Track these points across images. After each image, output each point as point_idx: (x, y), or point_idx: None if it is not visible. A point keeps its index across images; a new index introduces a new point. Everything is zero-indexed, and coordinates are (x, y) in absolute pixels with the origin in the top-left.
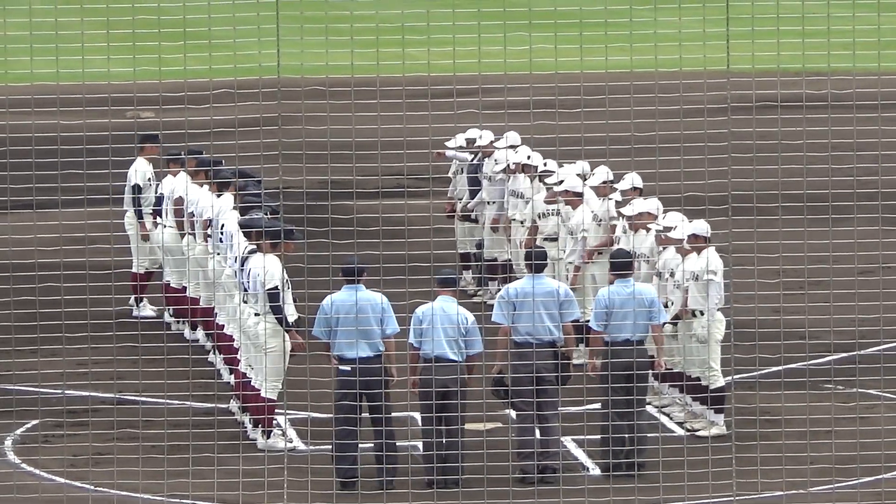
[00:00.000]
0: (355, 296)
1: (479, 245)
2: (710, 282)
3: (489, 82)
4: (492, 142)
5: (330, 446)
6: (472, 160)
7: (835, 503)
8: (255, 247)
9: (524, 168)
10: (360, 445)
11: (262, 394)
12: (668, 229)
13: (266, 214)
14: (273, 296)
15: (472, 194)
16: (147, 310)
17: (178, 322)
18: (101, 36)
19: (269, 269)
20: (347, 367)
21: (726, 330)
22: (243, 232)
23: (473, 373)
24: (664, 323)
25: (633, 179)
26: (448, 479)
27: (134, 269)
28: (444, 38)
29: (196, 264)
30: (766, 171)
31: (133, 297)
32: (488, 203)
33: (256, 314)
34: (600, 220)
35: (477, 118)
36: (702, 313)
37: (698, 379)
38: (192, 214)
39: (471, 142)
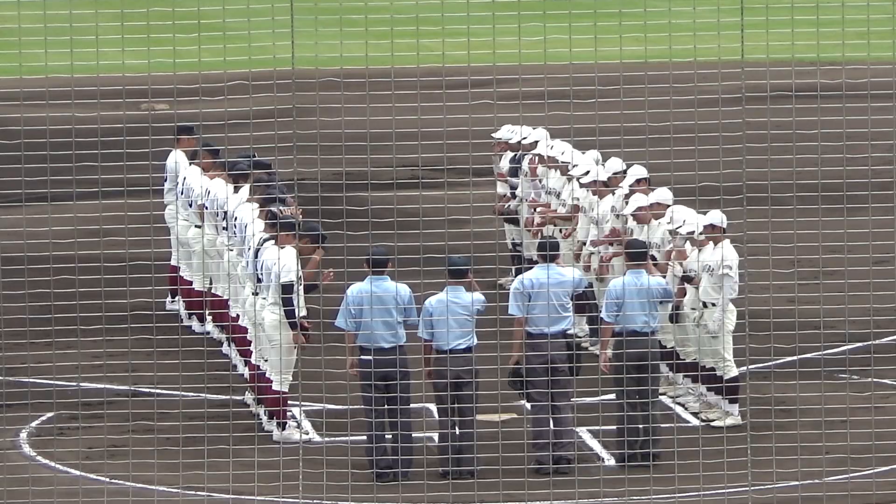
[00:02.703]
0: (386, 286)
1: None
2: (726, 276)
3: (504, 73)
4: (519, 141)
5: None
6: (513, 157)
7: (850, 493)
8: (269, 237)
9: (548, 160)
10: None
11: (275, 386)
12: (690, 234)
13: (284, 206)
14: (286, 289)
15: (514, 191)
16: (179, 304)
17: (189, 316)
18: (116, 28)
19: (284, 261)
20: (370, 358)
21: (739, 320)
22: (265, 224)
23: None
24: (672, 309)
25: (637, 173)
26: (463, 470)
27: (172, 262)
28: (459, 29)
29: (210, 257)
30: (780, 161)
31: (170, 289)
32: (524, 200)
33: (273, 304)
34: (618, 214)
35: (491, 109)
36: (713, 305)
37: (713, 369)
38: (203, 206)
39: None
